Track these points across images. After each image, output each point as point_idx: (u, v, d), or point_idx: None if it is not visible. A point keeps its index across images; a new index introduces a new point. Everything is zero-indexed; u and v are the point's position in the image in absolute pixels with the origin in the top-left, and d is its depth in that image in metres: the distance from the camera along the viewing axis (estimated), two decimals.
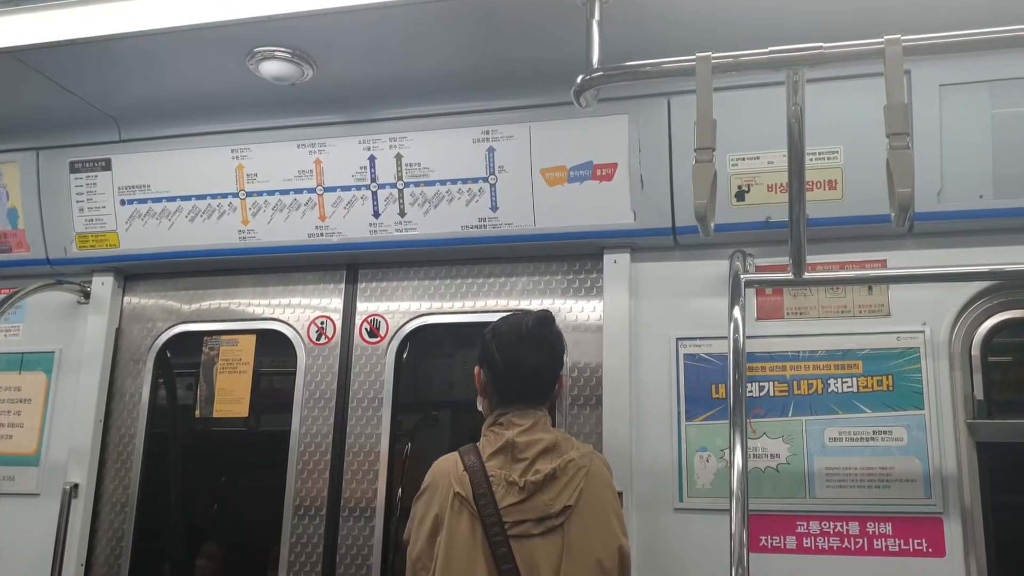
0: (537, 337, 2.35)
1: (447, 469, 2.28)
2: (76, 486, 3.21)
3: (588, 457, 2.28)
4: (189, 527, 3.40)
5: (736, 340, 2.53)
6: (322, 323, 3.22)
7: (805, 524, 2.58)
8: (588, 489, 2.21)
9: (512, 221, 2.93)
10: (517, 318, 2.42)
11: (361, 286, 3.23)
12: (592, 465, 2.26)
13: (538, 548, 2.15)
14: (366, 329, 3.17)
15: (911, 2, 2.31)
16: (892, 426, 2.58)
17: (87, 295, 3.42)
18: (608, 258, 2.93)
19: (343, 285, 3.25)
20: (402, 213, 3.02)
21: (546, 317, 2.41)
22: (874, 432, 2.59)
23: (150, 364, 3.37)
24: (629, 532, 2.63)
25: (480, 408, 2.43)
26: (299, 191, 3.10)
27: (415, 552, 2.22)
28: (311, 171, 3.08)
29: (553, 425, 2.38)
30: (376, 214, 3.04)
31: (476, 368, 2.44)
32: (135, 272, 3.47)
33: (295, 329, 3.24)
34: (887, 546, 2.52)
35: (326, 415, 3.12)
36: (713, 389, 2.74)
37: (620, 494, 2.50)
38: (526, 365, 2.32)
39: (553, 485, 2.18)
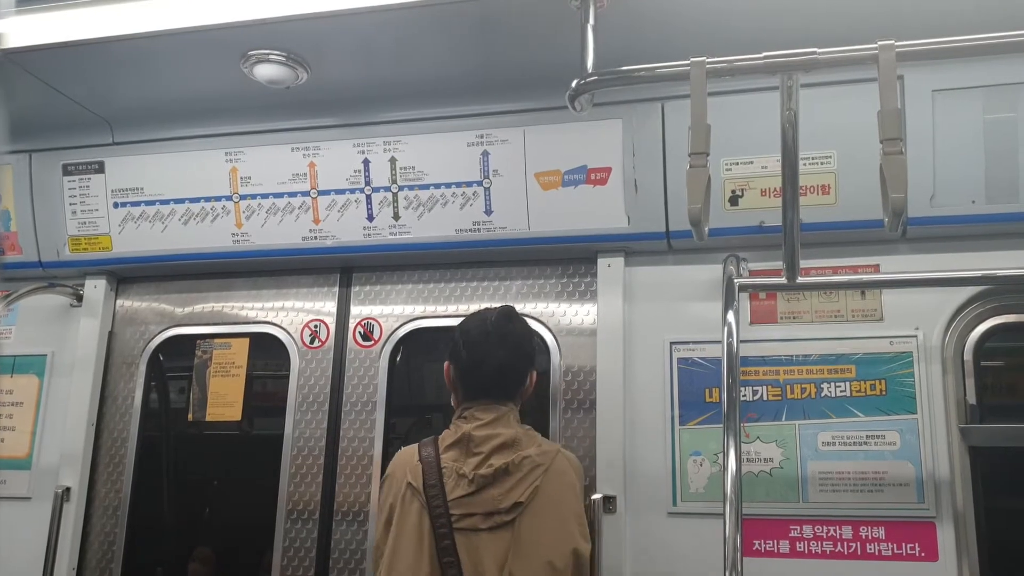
0: (501, 333, 2.37)
1: (405, 460, 2.32)
2: (68, 490, 3.19)
3: (549, 455, 2.27)
4: (181, 531, 3.39)
5: (730, 344, 2.53)
6: (316, 326, 3.21)
7: (798, 528, 2.59)
8: (546, 488, 2.20)
9: (506, 225, 2.93)
10: (483, 314, 2.45)
11: (355, 289, 3.23)
12: (554, 464, 2.25)
13: (484, 543, 2.15)
14: (360, 332, 3.17)
15: (905, 8, 2.32)
16: (885, 430, 2.58)
17: (80, 298, 3.41)
18: (602, 262, 2.93)
19: (337, 288, 3.25)
20: (396, 216, 3.02)
21: (507, 312, 2.44)
22: (867, 436, 2.59)
23: (143, 367, 3.36)
24: (623, 537, 2.65)
25: (453, 404, 2.46)
26: (293, 194, 3.10)
27: (376, 540, 2.29)
28: (305, 174, 3.08)
29: (527, 422, 2.39)
30: (370, 217, 3.04)
31: (446, 364, 2.46)
32: (128, 275, 3.46)
33: (288, 332, 3.24)
34: (880, 550, 2.52)
35: (319, 419, 3.12)
36: (707, 393, 2.74)
37: (612, 498, 2.51)
38: (490, 361, 2.34)
39: (505, 480, 2.18)
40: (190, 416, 3.28)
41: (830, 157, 2.67)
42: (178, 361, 3.39)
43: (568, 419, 2.88)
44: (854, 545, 2.54)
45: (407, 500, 2.23)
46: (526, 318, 2.98)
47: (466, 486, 2.19)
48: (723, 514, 2.27)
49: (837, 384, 2.65)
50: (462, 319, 2.51)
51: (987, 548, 2.49)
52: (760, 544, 2.60)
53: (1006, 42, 1.84)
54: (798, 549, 2.57)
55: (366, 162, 3.02)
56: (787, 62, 1.94)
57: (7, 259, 3.39)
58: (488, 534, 2.16)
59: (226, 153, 3.14)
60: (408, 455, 2.34)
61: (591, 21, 2.23)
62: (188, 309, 3.39)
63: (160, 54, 2.71)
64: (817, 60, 1.91)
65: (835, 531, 2.56)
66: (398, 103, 2.97)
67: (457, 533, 2.16)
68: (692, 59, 1.97)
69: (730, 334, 2.55)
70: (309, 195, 3.08)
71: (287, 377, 3.19)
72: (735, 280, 2.66)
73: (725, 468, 2.34)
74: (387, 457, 3.04)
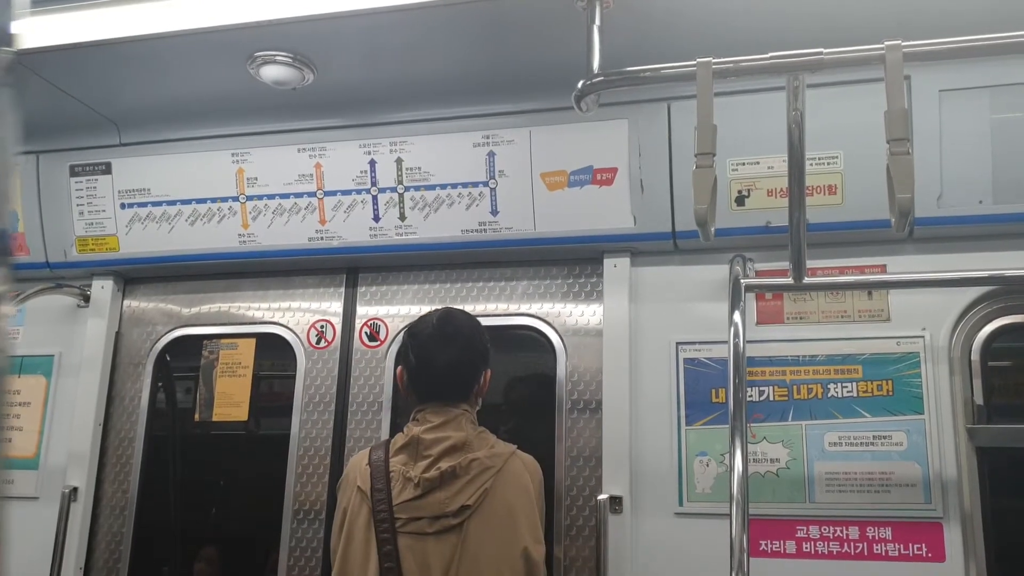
0: (445, 334, 2.35)
1: (357, 463, 2.32)
2: (75, 489, 3.20)
3: (501, 457, 2.24)
4: (188, 531, 3.40)
5: (736, 344, 2.54)
6: (322, 327, 3.22)
7: (805, 529, 2.58)
8: (496, 490, 2.18)
9: (512, 225, 2.93)
10: (428, 316, 2.44)
11: (361, 290, 3.23)
12: (507, 466, 2.23)
13: (431, 547, 2.13)
14: (366, 333, 3.17)
15: (911, 8, 2.32)
16: (892, 431, 2.58)
17: (87, 298, 3.42)
18: (608, 262, 2.93)
19: (343, 289, 3.25)
20: (402, 217, 3.02)
21: (446, 314, 2.43)
22: (874, 437, 2.59)
23: (150, 368, 3.36)
24: (629, 537, 2.65)
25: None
26: (299, 195, 3.10)
27: (332, 542, 2.30)
28: (311, 175, 3.08)
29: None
30: (376, 218, 3.04)
31: (398, 369, 2.46)
32: (135, 276, 3.47)
33: (295, 333, 3.24)
34: (887, 551, 2.52)
35: (326, 419, 3.12)
36: (713, 393, 2.74)
37: (619, 498, 2.50)
38: (437, 363, 2.32)
39: (453, 484, 2.16)
40: (197, 416, 3.29)
41: (836, 157, 2.66)
42: (185, 361, 3.39)
43: (574, 419, 2.88)
44: (861, 545, 2.54)
45: (357, 504, 2.22)
46: (533, 318, 3.00)
47: (412, 490, 2.16)
48: (729, 514, 2.27)
49: (844, 384, 2.65)
50: (409, 323, 2.51)
51: (994, 549, 2.49)
52: (767, 544, 2.60)
53: (1013, 42, 1.84)
54: (805, 549, 2.57)
55: (372, 163, 3.03)
56: (793, 62, 1.95)
57: (15, 260, 3.40)
58: (435, 538, 2.14)
59: (232, 154, 3.15)
60: (359, 459, 2.33)
61: (597, 22, 2.23)
62: (195, 309, 3.40)
63: (167, 55, 2.71)
64: (823, 60, 1.91)
65: (842, 531, 2.56)
66: (404, 104, 2.98)
67: (404, 537, 2.14)
68: (698, 60, 1.97)
69: (736, 334, 2.55)
70: (315, 196, 3.09)
71: (293, 377, 3.20)
72: (741, 280, 2.66)
73: (732, 468, 2.34)
74: None
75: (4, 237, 0.87)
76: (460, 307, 3.06)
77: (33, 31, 2.63)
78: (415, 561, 2.12)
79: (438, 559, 2.12)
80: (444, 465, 2.17)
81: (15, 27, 0.88)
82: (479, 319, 2.50)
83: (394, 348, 3.12)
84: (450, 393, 2.33)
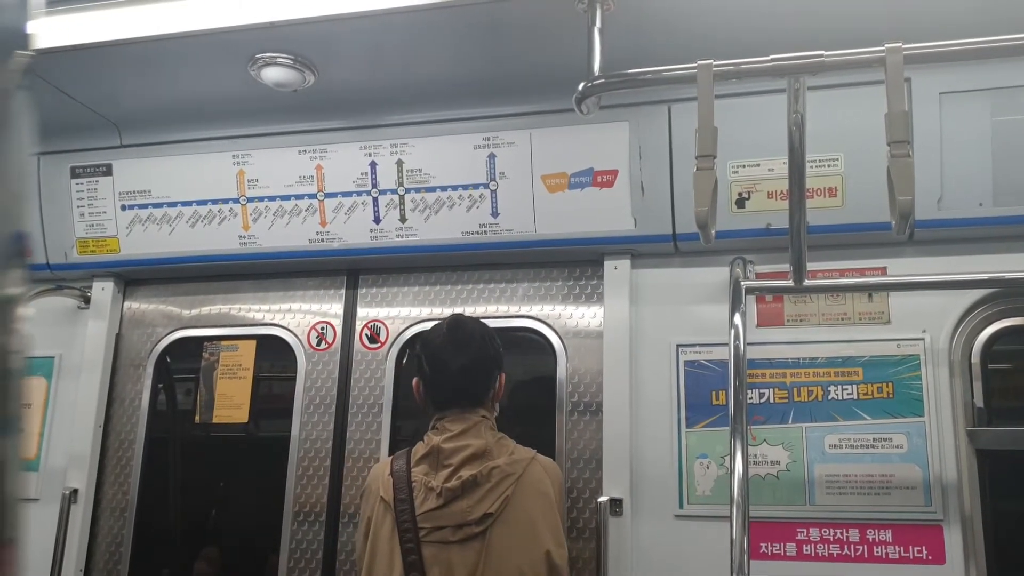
0: (457, 340, 2.39)
1: (378, 473, 2.36)
2: (75, 491, 3.20)
3: (521, 464, 2.27)
4: (188, 533, 3.40)
5: (736, 347, 2.54)
6: (322, 329, 3.22)
7: (805, 531, 2.58)
8: (517, 497, 2.21)
9: (513, 227, 2.93)
10: (439, 325, 2.48)
11: (361, 292, 3.23)
12: (527, 472, 2.26)
13: (456, 556, 2.16)
14: (366, 335, 3.17)
15: (912, 11, 2.32)
16: (892, 433, 2.58)
17: (87, 300, 3.42)
18: (609, 264, 2.93)
19: (343, 291, 3.25)
20: (403, 219, 3.02)
21: (456, 321, 2.46)
22: (874, 439, 2.59)
23: (150, 369, 3.36)
24: (629, 539, 2.65)
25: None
26: (300, 197, 3.10)
27: (358, 552, 2.35)
28: (312, 177, 3.09)
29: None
30: (377, 220, 3.04)
31: (414, 380, 2.49)
32: (135, 277, 3.47)
33: (295, 335, 3.24)
34: (887, 553, 2.52)
35: (326, 421, 3.12)
36: (713, 396, 2.74)
37: (619, 500, 2.49)
38: (450, 369, 2.36)
39: (474, 492, 2.19)
40: (197, 418, 3.28)
41: (837, 159, 2.66)
42: (185, 363, 3.39)
43: (575, 421, 2.88)
44: (861, 548, 2.54)
45: (381, 514, 2.26)
46: (534, 320, 3.00)
47: (435, 499, 2.20)
48: (730, 517, 2.27)
49: (844, 387, 2.64)
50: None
51: (994, 551, 2.49)
52: (767, 547, 2.60)
53: (1013, 45, 1.84)
54: (805, 552, 2.57)
55: (373, 164, 3.03)
56: (794, 65, 1.95)
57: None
58: (459, 546, 2.17)
59: (233, 156, 3.15)
60: (381, 468, 2.37)
61: (598, 24, 2.24)
62: (195, 311, 3.40)
63: (168, 57, 2.72)
64: (824, 63, 1.92)
65: (842, 534, 2.56)
66: (405, 106, 2.98)
67: (428, 546, 2.17)
68: (699, 62, 1.97)
69: (737, 337, 2.55)
70: (316, 197, 3.09)
71: (294, 379, 3.20)
72: (742, 283, 2.66)
73: (732, 470, 2.34)
74: None
75: (21, 239, 0.86)
76: (460, 309, 3.08)
77: (35, 32, 2.62)
78: (440, 569, 2.15)
79: (463, 567, 2.15)
80: (465, 474, 2.20)
81: (31, 28, 0.87)
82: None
83: (394, 350, 3.12)
84: (466, 399, 2.36)
